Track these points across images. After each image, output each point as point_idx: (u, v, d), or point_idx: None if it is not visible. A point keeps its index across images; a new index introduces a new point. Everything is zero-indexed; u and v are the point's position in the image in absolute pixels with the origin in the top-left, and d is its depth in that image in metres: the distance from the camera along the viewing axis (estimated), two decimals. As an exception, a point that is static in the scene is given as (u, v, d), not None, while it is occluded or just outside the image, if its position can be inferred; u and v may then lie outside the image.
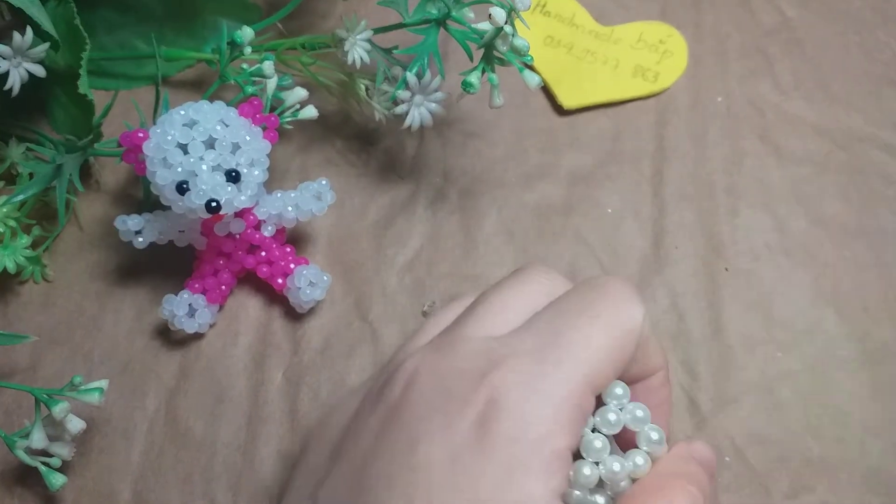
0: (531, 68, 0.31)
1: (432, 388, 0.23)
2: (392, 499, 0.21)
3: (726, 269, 0.36)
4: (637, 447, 0.24)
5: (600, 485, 0.23)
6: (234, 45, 0.35)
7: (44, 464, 0.30)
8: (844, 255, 0.37)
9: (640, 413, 0.24)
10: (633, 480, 0.23)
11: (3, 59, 0.32)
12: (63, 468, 0.31)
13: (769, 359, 0.34)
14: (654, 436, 0.24)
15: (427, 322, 0.28)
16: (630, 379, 0.25)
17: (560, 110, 0.40)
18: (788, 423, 0.33)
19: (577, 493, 0.23)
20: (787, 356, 0.34)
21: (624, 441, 0.25)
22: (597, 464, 0.23)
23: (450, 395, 0.23)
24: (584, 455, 0.23)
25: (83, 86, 0.35)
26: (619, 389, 0.24)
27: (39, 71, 0.33)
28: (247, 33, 0.35)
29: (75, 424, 0.30)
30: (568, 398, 0.22)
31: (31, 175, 0.36)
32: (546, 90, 0.41)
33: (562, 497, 0.21)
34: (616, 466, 0.23)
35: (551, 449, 0.21)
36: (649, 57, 0.42)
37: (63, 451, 0.30)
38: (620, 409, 0.24)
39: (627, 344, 0.24)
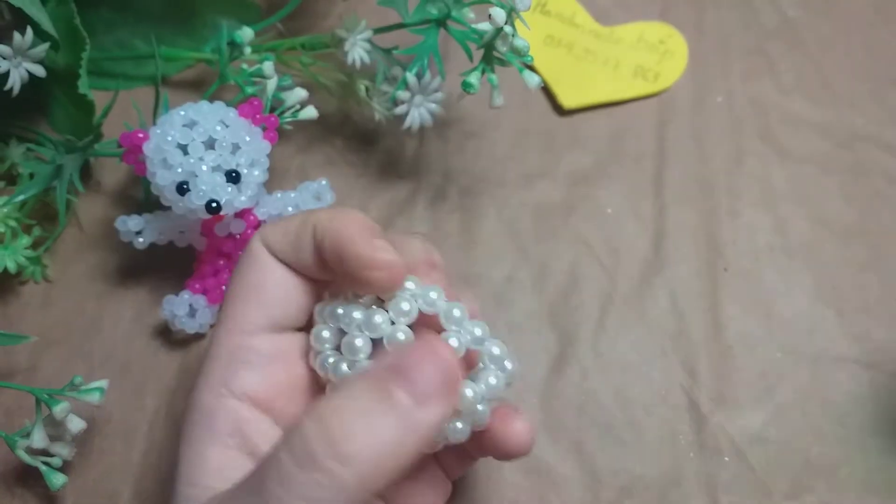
0: (531, 68, 0.31)
1: None
2: None
3: (726, 270, 0.36)
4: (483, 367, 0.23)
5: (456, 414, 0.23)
6: (234, 46, 0.35)
7: (44, 463, 0.30)
8: (845, 256, 0.37)
9: (478, 331, 0.23)
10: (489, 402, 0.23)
11: (4, 58, 0.32)
12: (64, 468, 0.31)
13: (769, 359, 0.34)
14: (496, 350, 0.23)
15: None
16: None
17: (560, 110, 0.40)
18: (788, 424, 0.33)
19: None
20: (788, 356, 0.34)
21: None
22: None
23: None
24: None
25: (83, 86, 0.34)
26: (457, 311, 0.23)
27: (39, 71, 0.33)
28: (246, 33, 0.35)
29: (76, 424, 0.30)
30: None
31: (31, 175, 0.36)
32: (546, 90, 0.41)
33: None
34: (468, 392, 0.22)
35: None
36: (649, 57, 0.42)
37: (64, 450, 0.30)
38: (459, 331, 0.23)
39: None
